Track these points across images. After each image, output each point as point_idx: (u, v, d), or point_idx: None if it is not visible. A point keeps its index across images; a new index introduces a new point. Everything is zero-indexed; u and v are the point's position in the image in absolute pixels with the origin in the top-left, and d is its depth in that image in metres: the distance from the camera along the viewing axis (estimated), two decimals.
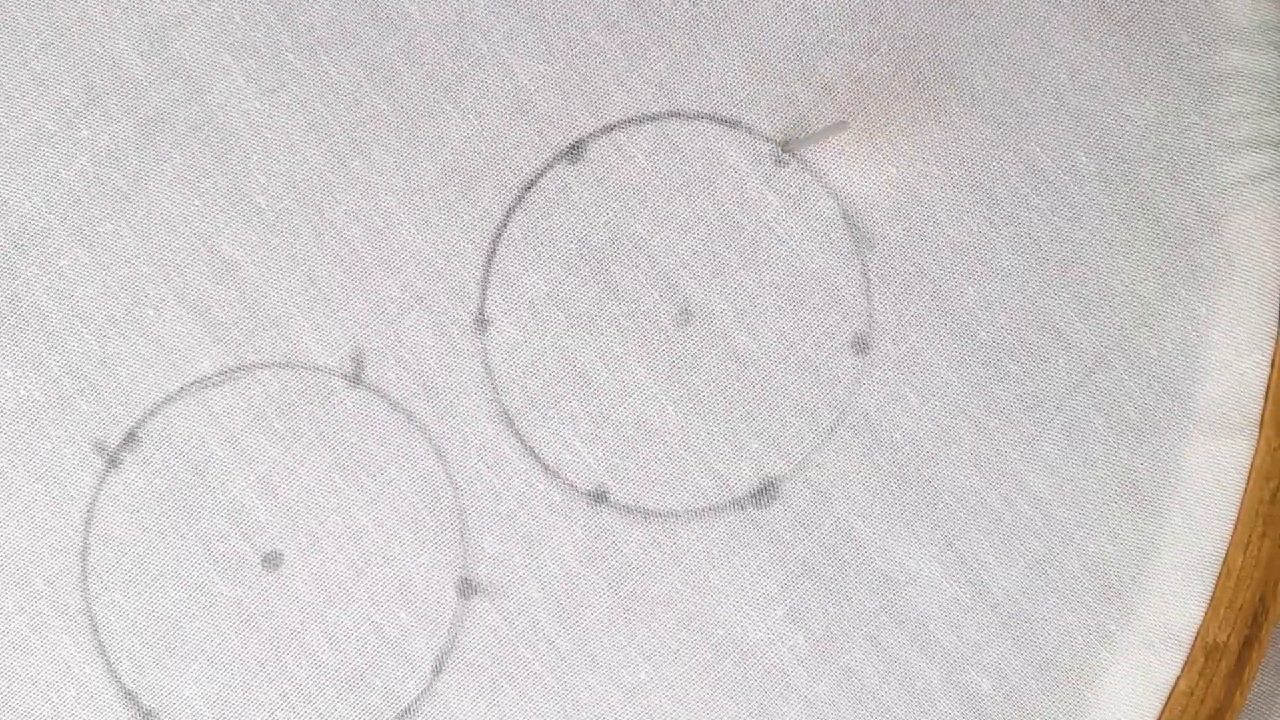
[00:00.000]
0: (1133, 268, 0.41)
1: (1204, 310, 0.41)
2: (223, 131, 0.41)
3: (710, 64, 0.41)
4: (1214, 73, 0.41)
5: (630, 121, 0.41)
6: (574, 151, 0.41)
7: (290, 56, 0.41)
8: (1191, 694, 0.40)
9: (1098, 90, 0.41)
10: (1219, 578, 0.40)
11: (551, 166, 0.41)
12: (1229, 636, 0.40)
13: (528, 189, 0.41)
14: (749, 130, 0.41)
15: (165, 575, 0.40)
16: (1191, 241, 0.41)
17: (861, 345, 0.41)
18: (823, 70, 0.41)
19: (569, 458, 0.40)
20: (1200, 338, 0.41)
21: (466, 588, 0.40)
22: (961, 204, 0.41)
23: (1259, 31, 0.41)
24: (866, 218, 0.41)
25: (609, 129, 0.41)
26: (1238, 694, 0.40)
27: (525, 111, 0.41)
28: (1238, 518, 0.41)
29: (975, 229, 0.41)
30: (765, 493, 0.40)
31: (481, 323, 0.41)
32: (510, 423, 0.40)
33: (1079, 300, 0.41)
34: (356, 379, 0.40)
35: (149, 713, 0.40)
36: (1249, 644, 0.40)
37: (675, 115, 0.41)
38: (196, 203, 0.41)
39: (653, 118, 0.41)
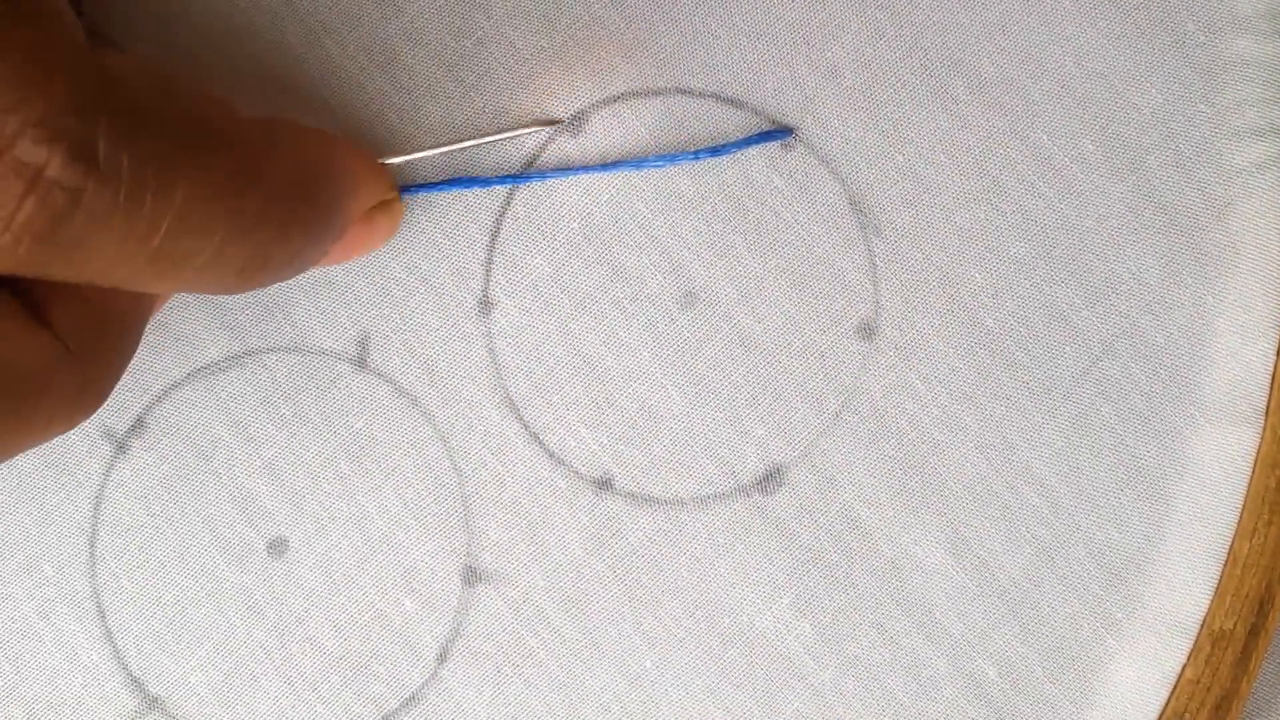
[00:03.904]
0: (1139, 255, 0.41)
1: (1210, 298, 0.41)
2: None
3: (717, 43, 0.41)
4: (1220, 61, 0.41)
5: (634, 94, 0.41)
6: (576, 122, 0.40)
7: (293, 41, 0.40)
8: (1198, 682, 0.40)
9: (1104, 78, 0.41)
10: (1225, 566, 0.41)
11: (554, 139, 0.40)
12: (1235, 624, 0.40)
13: (530, 164, 0.40)
14: (755, 111, 0.41)
15: (172, 561, 0.40)
16: (1198, 229, 0.41)
17: (867, 331, 0.40)
18: (829, 54, 0.41)
19: (573, 444, 0.40)
20: (1207, 325, 0.41)
21: (471, 575, 0.40)
22: (968, 191, 0.41)
23: (1265, 20, 0.41)
24: (873, 204, 0.41)
25: (612, 100, 0.40)
26: (1244, 682, 0.40)
27: (527, 86, 0.40)
28: (1244, 505, 0.41)
29: (982, 216, 0.41)
30: (771, 479, 0.40)
31: (485, 305, 0.40)
32: (514, 408, 0.40)
33: (1086, 288, 0.40)
34: (361, 363, 0.40)
35: (155, 699, 0.40)
36: (1255, 632, 0.40)
37: (681, 92, 0.41)
38: None
39: (657, 93, 0.41)
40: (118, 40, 0.39)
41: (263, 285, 0.34)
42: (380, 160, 0.39)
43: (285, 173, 0.33)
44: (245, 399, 0.40)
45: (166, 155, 0.29)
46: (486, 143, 0.40)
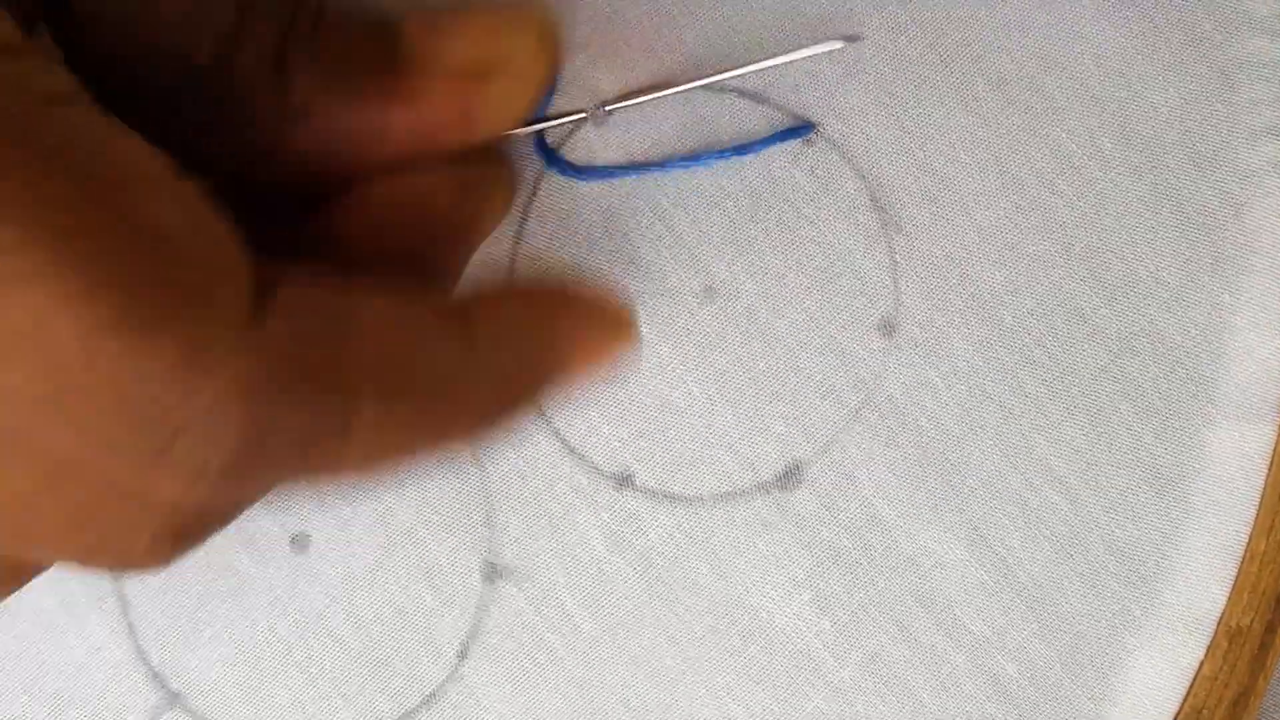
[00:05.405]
0: (1157, 253, 0.41)
1: (1227, 296, 0.41)
2: None
3: (738, 38, 0.40)
4: (1235, 60, 0.41)
5: (655, 88, 0.40)
6: (598, 115, 0.40)
7: None
8: (1215, 678, 0.40)
9: (1122, 76, 0.41)
10: (1242, 562, 0.41)
11: (578, 128, 0.40)
12: (1252, 621, 0.40)
13: (555, 151, 0.40)
14: (776, 106, 0.40)
15: (197, 555, 0.39)
16: (1214, 228, 0.41)
17: (888, 328, 0.40)
18: (850, 50, 0.41)
19: (594, 440, 0.40)
20: (1223, 324, 0.41)
21: (491, 571, 0.40)
22: (988, 188, 0.41)
23: (1279, 20, 0.41)
24: (894, 200, 0.40)
25: (633, 94, 0.40)
26: (1261, 678, 0.40)
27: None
28: (1260, 503, 0.41)
29: (1002, 213, 0.40)
30: (791, 476, 0.40)
31: None
32: None
33: (1104, 285, 0.41)
34: None
35: (176, 695, 0.39)
36: (1272, 628, 0.41)
37: (702, 87, 0.40)
38: None
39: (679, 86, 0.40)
40: None
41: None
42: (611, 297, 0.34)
43: (506, 388, 0.32)
44: None
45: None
46: (551, 126, 0.40)
